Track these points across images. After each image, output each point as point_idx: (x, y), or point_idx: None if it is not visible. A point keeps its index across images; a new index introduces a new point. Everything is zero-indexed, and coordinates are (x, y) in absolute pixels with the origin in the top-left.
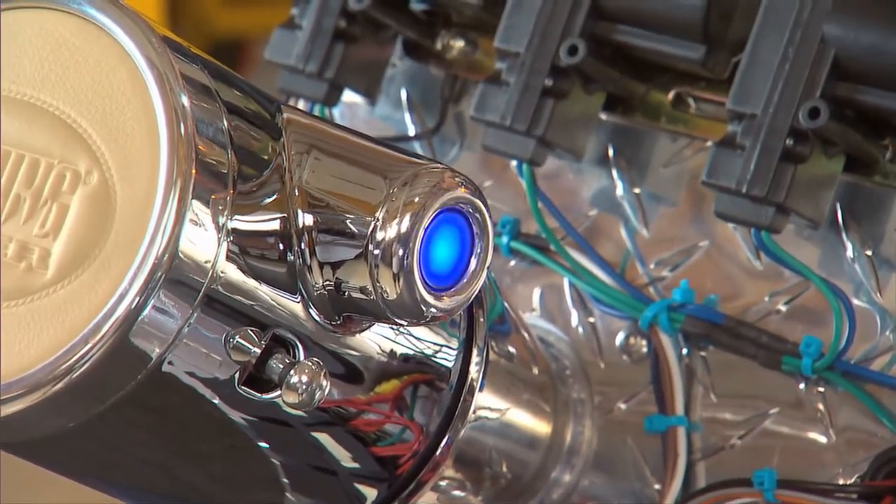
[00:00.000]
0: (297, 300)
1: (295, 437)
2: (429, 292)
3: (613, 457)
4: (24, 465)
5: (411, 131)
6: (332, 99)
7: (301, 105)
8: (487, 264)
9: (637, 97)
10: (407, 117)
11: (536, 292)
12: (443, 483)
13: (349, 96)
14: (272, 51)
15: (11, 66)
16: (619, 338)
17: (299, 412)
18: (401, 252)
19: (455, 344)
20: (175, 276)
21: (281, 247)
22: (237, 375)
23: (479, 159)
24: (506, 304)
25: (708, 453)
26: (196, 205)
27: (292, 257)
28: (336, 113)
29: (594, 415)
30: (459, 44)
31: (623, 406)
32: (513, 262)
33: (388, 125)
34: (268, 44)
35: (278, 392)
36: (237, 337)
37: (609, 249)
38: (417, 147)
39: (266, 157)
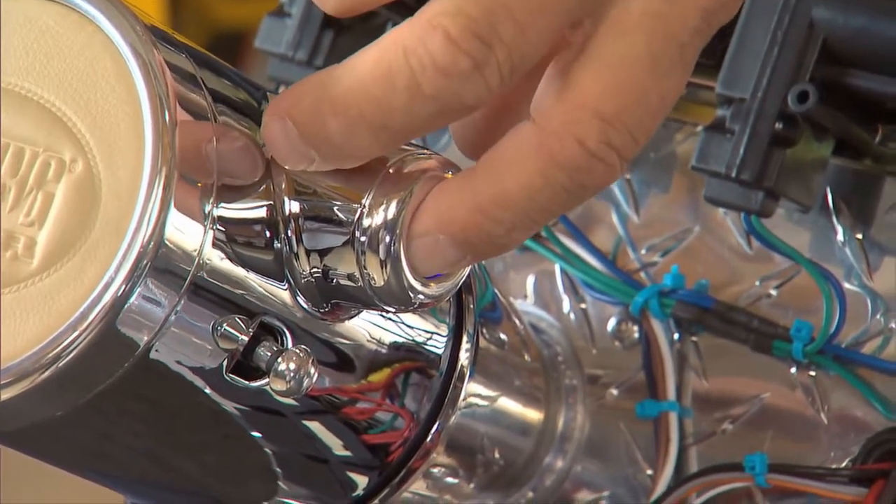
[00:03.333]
0: (285, 287)
1: (285, 425)
2: (416, 278)
3: (606, 442)
4: (24, 465)
5: None
6: None
7: None
8: None
9: None
10: None
11: (529, 279)
12: (434, 470)
13: None
14: (262, 39)
15: None
16: (611, 324)
17: (288, 400)
18: (388, 238)
19: (445, 331)
20: (161, 263)
21: (268, 234)
22: (225, 363)
23: None
24: (496, 291)
25: (700, 438)
26: (181, 192)
27: (279, 245)
28: None
29: (586, 401)
30: None
31: (615, 392)
32: None
33: None
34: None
35: (266, 380)
36: (224, 325)
37: (600, 236)
38: None
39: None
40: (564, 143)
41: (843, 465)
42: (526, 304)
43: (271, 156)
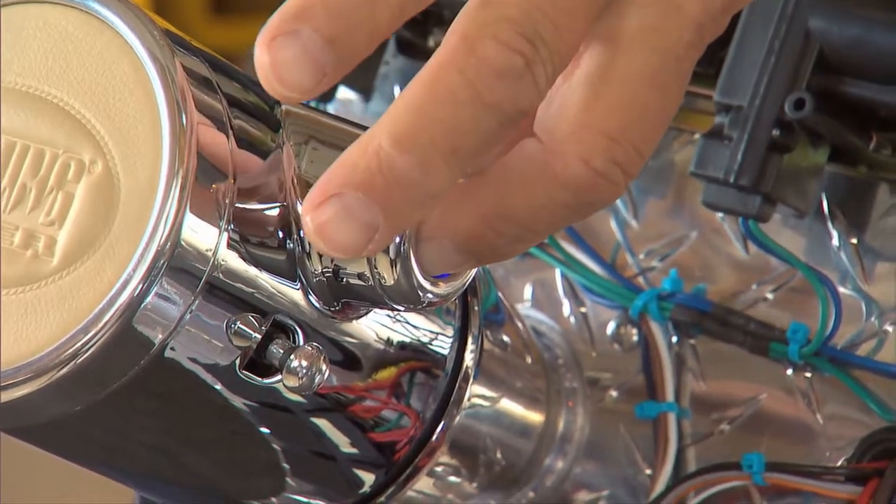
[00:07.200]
0: (297, 287)
1: (295, 422)
2: (425, 278)
3: (605, 444)
4: (25, 463)
5: None
6: (327, 96)
7: None
8: None
9: None
10: None
11: (529, 283)
12: (438, 469)
13: (344, 93)
14: None
15: (17, 58)
16: (611, 327)
17: (299, 397)
18: (397, 239)
19: (450, 332)
20: (177, 263)
21: (280, 235)
22: (238, 361)
23: None
24: (500, 295)
25: (698, 438)
26: (198, 194)
27: (291, 245)
28: (331, 110)
29: (586, 403)
30: None
31: (614, 393)
32: None
33: None
34: None
35: (279, 376)
36: (238, 323)
37: (600, 241)
38: None
39: (265, 148)
40: (570, 164)
41: (839, 464)
42: (527, 308)
43: (285, 156)
